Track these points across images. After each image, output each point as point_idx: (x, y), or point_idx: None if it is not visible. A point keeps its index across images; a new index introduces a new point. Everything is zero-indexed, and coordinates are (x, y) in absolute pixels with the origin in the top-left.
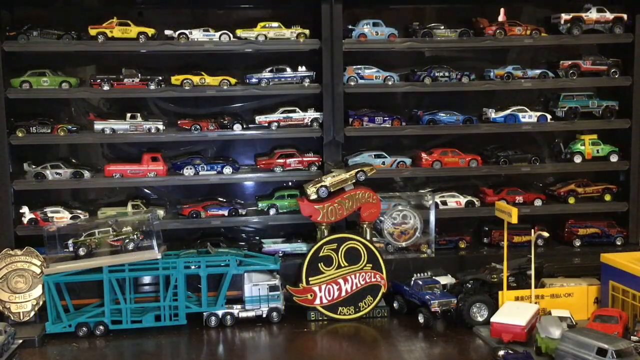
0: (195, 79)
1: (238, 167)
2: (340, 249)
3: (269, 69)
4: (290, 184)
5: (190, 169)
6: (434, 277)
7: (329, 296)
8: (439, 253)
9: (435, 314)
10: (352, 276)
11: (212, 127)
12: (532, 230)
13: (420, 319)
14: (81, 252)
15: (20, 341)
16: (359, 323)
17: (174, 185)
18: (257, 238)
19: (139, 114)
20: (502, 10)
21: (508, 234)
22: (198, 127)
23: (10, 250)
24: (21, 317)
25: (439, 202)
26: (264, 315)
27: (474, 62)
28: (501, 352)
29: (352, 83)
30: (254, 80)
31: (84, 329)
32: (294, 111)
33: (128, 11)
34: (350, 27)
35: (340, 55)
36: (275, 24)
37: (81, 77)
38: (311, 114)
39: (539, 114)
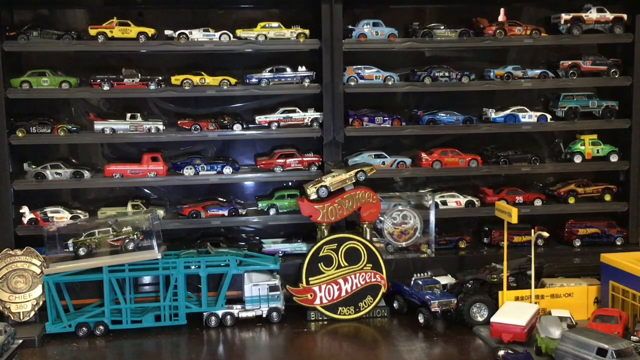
0: (195, 79)
1: (238, 167)
2: (340, 249)
3: (269, 69)
4: (290, 184)
5: (190, 169)
6: (434, 277)
7: (329, 296)
8: (439, 253)
9: (435, 314)
10: (352, 276)
11: (212, 127)
12: (532, 230)
13: (420, 319)
14: (81, 252)
15: (20, 341)
16: (359, 323)
17: (174, 185)
18: (257, 238)
19: (139, 114)
20: (502, 10)
21: (508, 234)
22: (198, 127)
23: (10, 250)
24: (21, 317)
25: (439, 202)
26: (264, 315)
27: (474, 62)
28: (501, 352)
29: (352, 83)
30: (254, 80)
31: (84, 329)
32: (294, 111)
33: (128, 11)
34: (350, 27)
35: (340, 55)
36: (275, 24)
37: (81, 77)
38: (311, 114)
39: (539, 114)
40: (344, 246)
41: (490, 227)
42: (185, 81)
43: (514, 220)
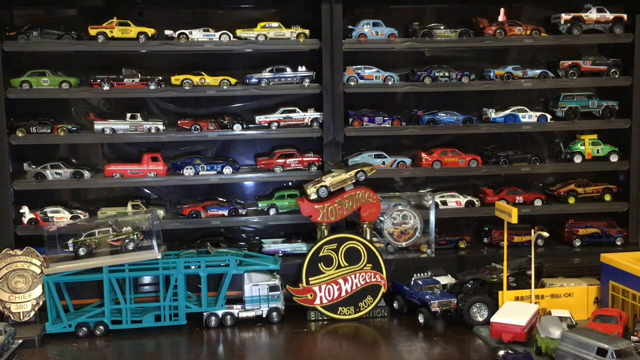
0: (195, 79)
1: (238, 167)
2: (340, 249)
3: (269, 69)
4: (290, 184)
5: (190, 169)
6: (434, 277)
7: (329, 296)
8: (439, 253)
9: (435, 314)
10: (352, 276)
11: (212, 127)
12: (532, 230)
13: (420, 319)
14: (81, 252)
15: (20, 341)
16: (359, 323)
17: (174, 185)
18: (257, 238)
19: (139, 114)
20: (502, 10)
21: (508, 234)
22: (198, 127)
23: (10, 250)
24: (21, 317)
25: (439, 202)
26: (264, 315)
27: (474, 62)
28: (501, 352)
29: (352, 83)
30: (254, 80)
31: (84, 329)
32: (294, 111)
33: (128, 11)
34: (350, 27)
35: (340, 55)
36: (275, 24)
37: (81, 77)
38: (311, 114)
39: (539, 114)
40: (344, 246)
41: (490, 227)
42: (185, 81)
43: (514, 220)
